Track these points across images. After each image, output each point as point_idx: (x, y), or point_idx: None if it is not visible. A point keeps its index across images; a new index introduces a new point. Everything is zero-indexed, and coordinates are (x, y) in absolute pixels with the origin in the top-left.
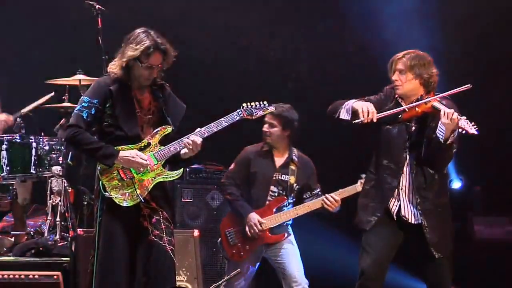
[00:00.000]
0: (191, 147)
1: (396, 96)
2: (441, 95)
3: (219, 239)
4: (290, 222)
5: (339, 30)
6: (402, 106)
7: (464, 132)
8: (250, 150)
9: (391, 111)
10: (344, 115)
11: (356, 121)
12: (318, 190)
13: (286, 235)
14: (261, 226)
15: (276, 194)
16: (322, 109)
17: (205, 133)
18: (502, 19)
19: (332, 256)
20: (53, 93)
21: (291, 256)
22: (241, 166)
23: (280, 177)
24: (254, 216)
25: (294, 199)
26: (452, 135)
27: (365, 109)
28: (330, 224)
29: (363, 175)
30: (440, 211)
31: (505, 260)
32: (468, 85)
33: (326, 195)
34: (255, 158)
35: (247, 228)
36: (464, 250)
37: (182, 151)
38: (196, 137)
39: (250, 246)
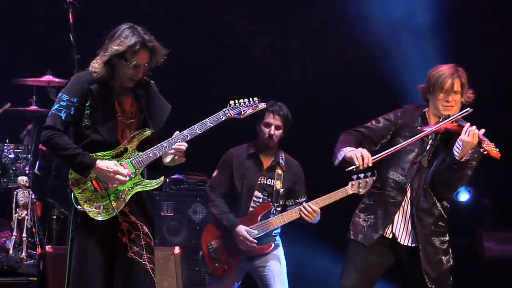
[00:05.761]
0: (176, 156)
1: (425, 111)
2: (462, 112)
3: (200, 252)
4: (278, 231)
5: (335, 26)
6: (428, 123)
7: (485, 153)
8: (235, 152)
9: (389, 151)
10: (338, 163)
11: (349, 168)
12: (303, 199)
13: (272, 245)
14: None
15: (260, 200)
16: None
17: (187, 136)
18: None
19: (318, 270)
20: (8, 105)
21: (276, 276)
22: (225, 172)
23: (265, 182)
24: (242, 229)
25: (280, 207)
26: (468, 153)
27: (358, 155)
28: (317, 237)
29: (354, 177)
30: (436, 238)
31: None
32: (468, 109)
33: (304, 204)
34: (240, 161)
35: (238, 243)
36: (473, 270)
37: (168, 160)
38: (179, 144)
39: (234, 259)
